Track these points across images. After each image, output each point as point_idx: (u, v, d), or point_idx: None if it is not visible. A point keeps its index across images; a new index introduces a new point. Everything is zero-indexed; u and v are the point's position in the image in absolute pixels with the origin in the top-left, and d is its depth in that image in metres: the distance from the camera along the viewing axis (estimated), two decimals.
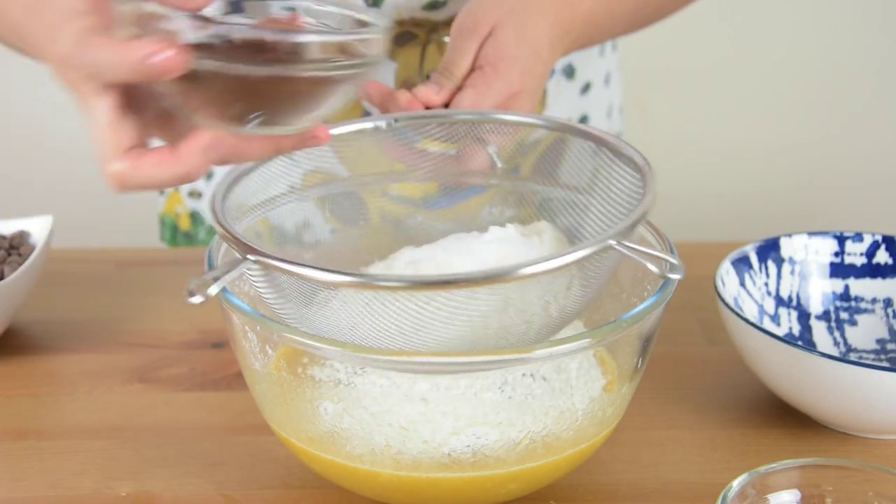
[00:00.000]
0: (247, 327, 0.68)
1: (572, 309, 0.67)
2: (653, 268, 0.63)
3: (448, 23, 0.97)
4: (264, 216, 0.74)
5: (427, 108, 0.79)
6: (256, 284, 0.66)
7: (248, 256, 0.63)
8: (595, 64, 1.10)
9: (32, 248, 0.91)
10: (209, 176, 1.12)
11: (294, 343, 0.65)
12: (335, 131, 0.76)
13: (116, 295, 0.99)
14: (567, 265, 0.62)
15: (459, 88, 0.81)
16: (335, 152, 0.77)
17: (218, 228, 0.66)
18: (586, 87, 1.10)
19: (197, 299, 0.61)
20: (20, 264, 0.88)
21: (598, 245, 0.63)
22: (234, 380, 0.86)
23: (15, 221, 0.95)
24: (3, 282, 0.86)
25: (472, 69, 0.81)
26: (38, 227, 0.94)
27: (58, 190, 1.94)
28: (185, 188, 1.15)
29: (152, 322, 0.94)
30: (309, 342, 0.64)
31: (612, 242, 0.63)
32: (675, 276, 0.63)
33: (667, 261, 0.63)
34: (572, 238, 0.74)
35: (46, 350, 0.90)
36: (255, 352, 0.68)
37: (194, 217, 1.14)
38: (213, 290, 0.61)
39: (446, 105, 0.80)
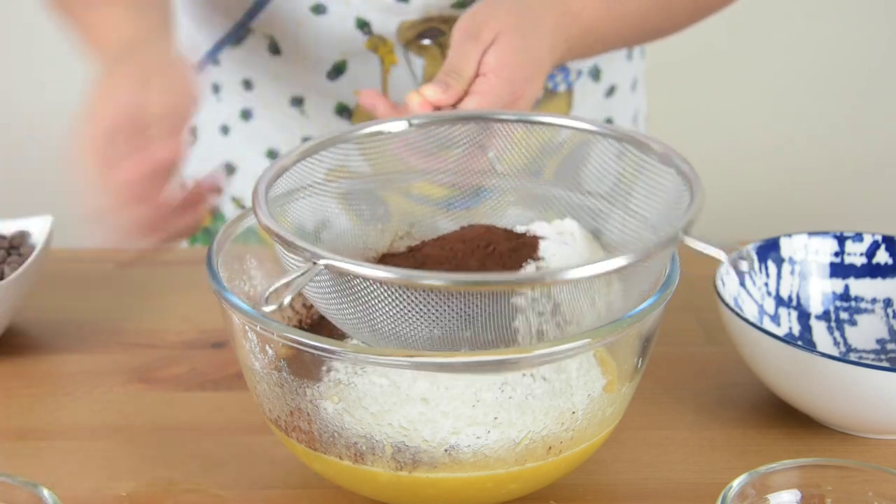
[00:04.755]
0: (247, 327, 0.68)
1: (618, 307, 0.67)
2: (723, 256, 0.65)
3: None
4: (281, 209, 0.74)
5: (436, 108, 0.79)
6: (314, 290, 0.66)
7: (318, 262, 0.63)
8: (622, 68, 1.10)
9: (32, 248, 0.91)
10: (230, 171, 1.12)
11: (294, 343, 0.65)
12: (359, 132, 0.77)
13: (116, 295, 0.99)
14: (633, 264, 0.63)
15: (466, 93, 0.81)
16: (360, 152, 0.78)
17: (275, 235, 0.66)
18: (611, 90, 1.09)
19: (271, 307, 0.61)
20: (20, 264, 0.88)
21: (668, 237, 0.64)
22: (234, 380, 0.86)
23: (15, 221, 0.95)
24: (3, 282, 0.86)
25: (475, 76, 0.81)
26: (38, 227, 0.94)
27: (58, 190, 1.94)
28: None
29: (152, 322, 0.94)
30: (309, 342, 0.64)
31: (681, 234, 0.65)
32: (745, 266, 0.64)
33: (737, 250, 0.64)
34: (598, 237, 0.74)
35: (46, 350, 0.90)
36: (255, 352, 0.68)
37: (214, 214, 1.14)
38: (287, 299, 0.61)
39: (454, 106, 0.80)
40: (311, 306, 0.81)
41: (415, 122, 0.77)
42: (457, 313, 0.62)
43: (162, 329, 0.93)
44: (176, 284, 1.00)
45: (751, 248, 0.64)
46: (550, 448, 0.67)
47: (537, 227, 0.73)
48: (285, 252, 0.66)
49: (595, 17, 0.88)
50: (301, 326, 0.80)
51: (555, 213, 0.77)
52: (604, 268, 0.62)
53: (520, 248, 0.70)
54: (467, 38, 0.81)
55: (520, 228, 0.73)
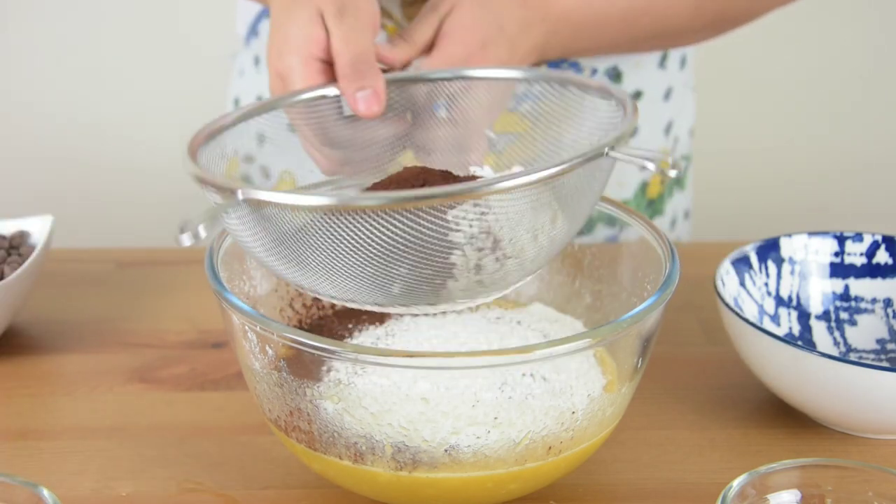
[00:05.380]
0: (247, 327, 0.68)
1: (561, 240, 0.68)
2: (650, 165, 0.64)
3: None
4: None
5: (384, 69, 0.81)
6: (242, 231, 0.66)
7: (238, 195, 0.62)
8: (651, 75, 1.09)
9: (32, 248, 0.91)
10: (262, 140, 1.12)
11: (294, 343, 0.65)
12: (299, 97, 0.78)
13: (116, 295, 0.99)
14: (560, 174, 0.63)
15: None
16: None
17: (195, 172, 0.65)
18: (636, 96, 1.09)
19: (186, 238, 0.59)
20: (20, 264, 0.88)
21: (594, 152, 0.64)
22: (234, 380, 0.86)
23: (15, 221, 0.95)
24: (3, 282, 0.86)
25: (432, 43, 0.83)
26: (38, 227, 0.94)
27: (58, 190, 1.94)
28: (242, 153, 1.15)
29: (152, 322, 0.94)
30: (309, 342, 0.64)
31: (606, 149, 0.65)
32: (673, 173, 0.64)
33: (665, 159, 0.64)
34: None
35: (46, 350, 0.90)
36: (255, 352, 0.68)
37: (245, 180, 1.15)
38: (203, 231, 0.60)
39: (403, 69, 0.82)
40: (311, 306, 0.81)
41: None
42: (388, 244, 0.62)
43: (162, 329, 0.93)
44: (176, 284, 1.00)
45: (678, 158, 0.65)
46: (550, 448, 0.67)
47: (478, 171, 0.73)
48: (212, 193, 0.65)
49: (574, 8, 0.89)
50: (301, 326, 0.80)
51: (504, 165, 0.78)
52: (530, 178, 0.62)
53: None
54: (427, 9, 0.84)
55: (461, 173, 0.74)
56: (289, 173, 0.79)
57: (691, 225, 1.21)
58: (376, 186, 0.72)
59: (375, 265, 0.63)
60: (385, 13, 1.01)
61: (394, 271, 0.63)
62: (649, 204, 1.12)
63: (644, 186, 1.11)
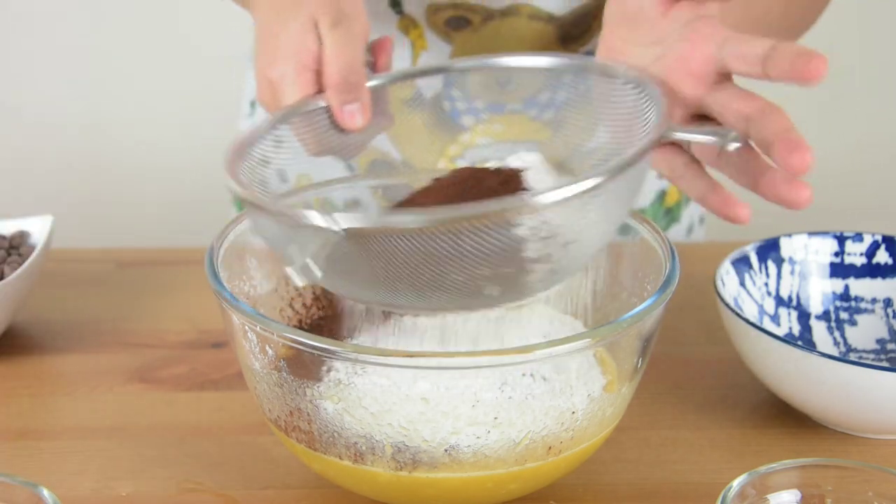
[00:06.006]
0: (247, 327, 0.68)
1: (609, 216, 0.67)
2: (712, 139, 0.66)
3: (505, 13, 0.97)
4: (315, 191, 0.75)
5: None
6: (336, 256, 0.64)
7: (341, 229, 0.60)
8: None
9: (32, 248, 0.91)
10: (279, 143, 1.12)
11: (294, 343, 0.65)
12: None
13: (116, 295, 0.99)
14: (632, 161, 0.63)
15: None
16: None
17: (291, 212, 0.63)
18: None
19: (302, 281, 0.60)
20: (20, 264, 0.88)
21: (658, 134, 0.65)
22: (234, 380, 0.86)
23: (15, 221, 0.95)
24: (3, 282, 0.86)
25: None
26: (38, 227, 0.94)
27: (58, 190, 1.94)
28: (258, 155, 1.15)
29: (152, 322, 0.94)
30: (309, 342, 0.64)
31: (670, 131, 0.66)
32: (735, 145, 0.66)
33: (724, 134, 0.66)
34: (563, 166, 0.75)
35: (46, 350, 0.90)
36: (255, 352, 0.68)
37: (262, 184, 1.14)
38: (318, 271, 0.60)
39: None
40: (311, 306, 0.81)
41: (374, 82, 0.78)
42: (474, 252, 0.61)
43: (162, 329, 0.93)
44: (176, 284, 1.00)
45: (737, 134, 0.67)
46: (550, 448, 0.67)
47: (509, 161, 0.73)
48: (292, 229, 0.63)
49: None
50: (301, 326, 0.80)
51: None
52: (615, 170, 0.62)
53: (508, 181, 0.69)
54: None
55: (492, 166, 0.72)
56: (306, 177, 0.79)
57: (705, 230, 1.21)
58: (429, 192, 0.71)
59: (462, 275, 0.62)
60: (411, 21, 1.01)
61: (478, 273, 0.62)
62: (667, 212, 1.12)
63: (662, 195, 1.11)
